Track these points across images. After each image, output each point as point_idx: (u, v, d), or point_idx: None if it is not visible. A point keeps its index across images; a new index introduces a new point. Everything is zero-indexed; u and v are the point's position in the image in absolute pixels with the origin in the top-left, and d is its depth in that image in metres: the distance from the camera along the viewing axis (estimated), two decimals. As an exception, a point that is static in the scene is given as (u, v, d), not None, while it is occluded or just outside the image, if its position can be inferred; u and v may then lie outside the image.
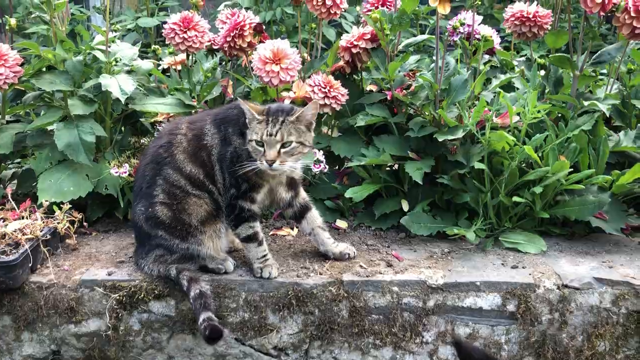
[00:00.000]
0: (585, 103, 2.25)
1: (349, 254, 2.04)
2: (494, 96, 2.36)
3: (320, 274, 1.94)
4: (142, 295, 1.91)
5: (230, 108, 1.99)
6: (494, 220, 2.20)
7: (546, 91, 2.44)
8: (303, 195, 2.06)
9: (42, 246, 2.00)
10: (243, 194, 1.92)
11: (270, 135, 1.82)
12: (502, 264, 2.01)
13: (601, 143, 2.20)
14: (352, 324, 1.91)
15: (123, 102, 2.23)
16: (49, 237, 2.03)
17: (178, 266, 1.91)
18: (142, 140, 2.62)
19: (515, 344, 1.92)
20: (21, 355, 1.97)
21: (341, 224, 2.33)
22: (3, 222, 2.03)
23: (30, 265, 1.94)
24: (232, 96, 2.58)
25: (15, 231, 1.97)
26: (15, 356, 1.97)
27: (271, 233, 2.28)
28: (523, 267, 1.99)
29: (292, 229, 2.31)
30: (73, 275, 1.97)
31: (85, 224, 2.24)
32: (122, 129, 2.51)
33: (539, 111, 2.12)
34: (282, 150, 1.83)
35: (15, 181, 2.51)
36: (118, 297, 1.91)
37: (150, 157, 1.97)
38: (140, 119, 2.61)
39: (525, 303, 1.88)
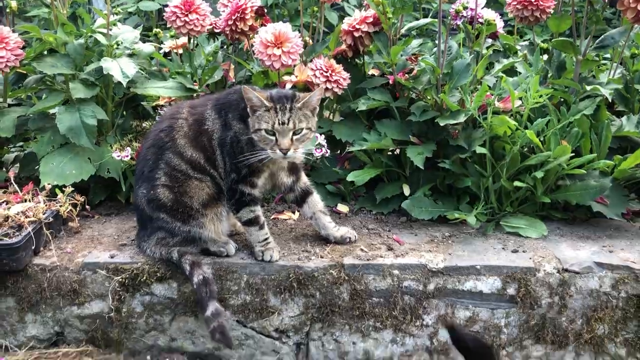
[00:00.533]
0: (588, 88, 2.24)
1: (350, 238, 2.04)
2: (497, 80, 2.35)
3: (322, 257, 1.95)
4: (144, 278, 1.92)
5: (231, 93, 1.98)
6: (495, 204, 2.20)
7: (549, 76, 2.43)
8: (304, 179, 2.06)
9: (44, 229, 2.01)
10: (243, 179, 1.92)
11: (283, 123, 1.80)
12: (503, 248, 2.02)
13: (603, 128, 2.19)
14: (353, 306, 1.92)
15: (125, 86, 2.23)
16: (51, 220, 2.04)
17: (180, 249, 1.92)
18: (143, 124, 2.63)
19: (515, 327, 1.93)
20: (25, 336, 1.99)
21: (342, 208, 2.34)
22: (6, 204, 2.04)
23: (33, 247, 1.96)
24: (234, 80, 2.57)
25: (18, 214, 1.98)
26: (19, 337, 1.99)
27: (272, 217, 2.29)
28: (524, 251, 1.99)
29: (294, 212, 2.31)
30: (76, 258, 1.98)
31: (87, 207, 2.25)
32: (124, 112, 2.51)
33: (541, 96, 2.11)
34: (294, 137, 1.83)
35: (18, 164, 2.52)
36: (120, 280, 1.92)
37: (152, 141, 1.97)
38: (142, 103, 2.61)
39: (525, 287, 1.89)
